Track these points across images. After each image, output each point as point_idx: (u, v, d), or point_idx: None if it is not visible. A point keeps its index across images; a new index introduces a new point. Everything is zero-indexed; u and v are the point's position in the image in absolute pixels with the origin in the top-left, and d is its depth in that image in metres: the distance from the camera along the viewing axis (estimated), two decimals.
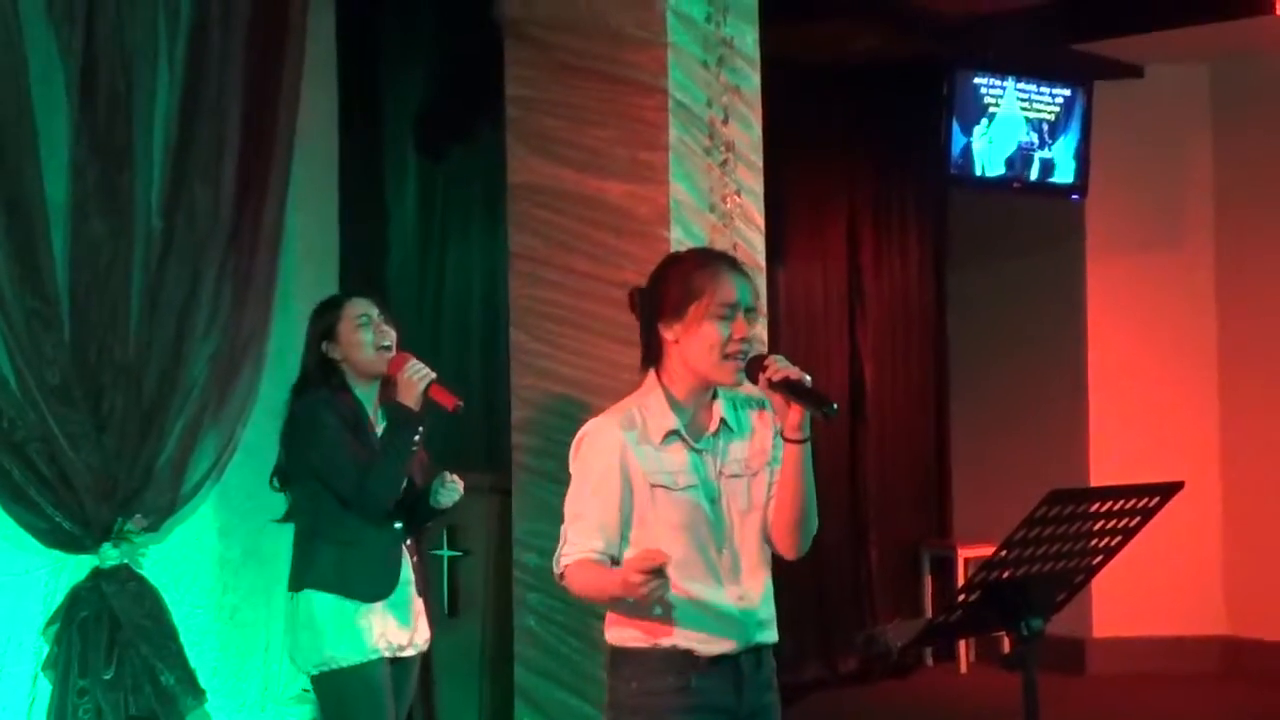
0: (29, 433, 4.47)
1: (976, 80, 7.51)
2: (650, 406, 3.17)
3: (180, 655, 4.73)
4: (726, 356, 3.11)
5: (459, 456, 4.25)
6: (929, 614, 8.20)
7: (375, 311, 4.26)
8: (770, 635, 3.25)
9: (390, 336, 4.24)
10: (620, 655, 3.19)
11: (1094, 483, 7.53)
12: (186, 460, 4.82)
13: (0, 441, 4.41)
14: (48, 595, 4.66)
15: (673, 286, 3.16)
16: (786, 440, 3.14)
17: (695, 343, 3.12)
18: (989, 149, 7.59)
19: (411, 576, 4.25)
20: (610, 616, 3.21)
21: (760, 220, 5.32)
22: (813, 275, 7.89)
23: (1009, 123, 7.63)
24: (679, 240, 4.99)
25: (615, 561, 3.12)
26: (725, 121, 5.18)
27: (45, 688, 4.58)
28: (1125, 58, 7.84)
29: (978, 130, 7.52)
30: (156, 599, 4.71)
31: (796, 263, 7.74)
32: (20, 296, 4.45)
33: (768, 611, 3.24)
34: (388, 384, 4.25)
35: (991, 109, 7.56)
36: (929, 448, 8.59)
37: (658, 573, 2.91)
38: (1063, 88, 7.77)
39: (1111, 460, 7.90)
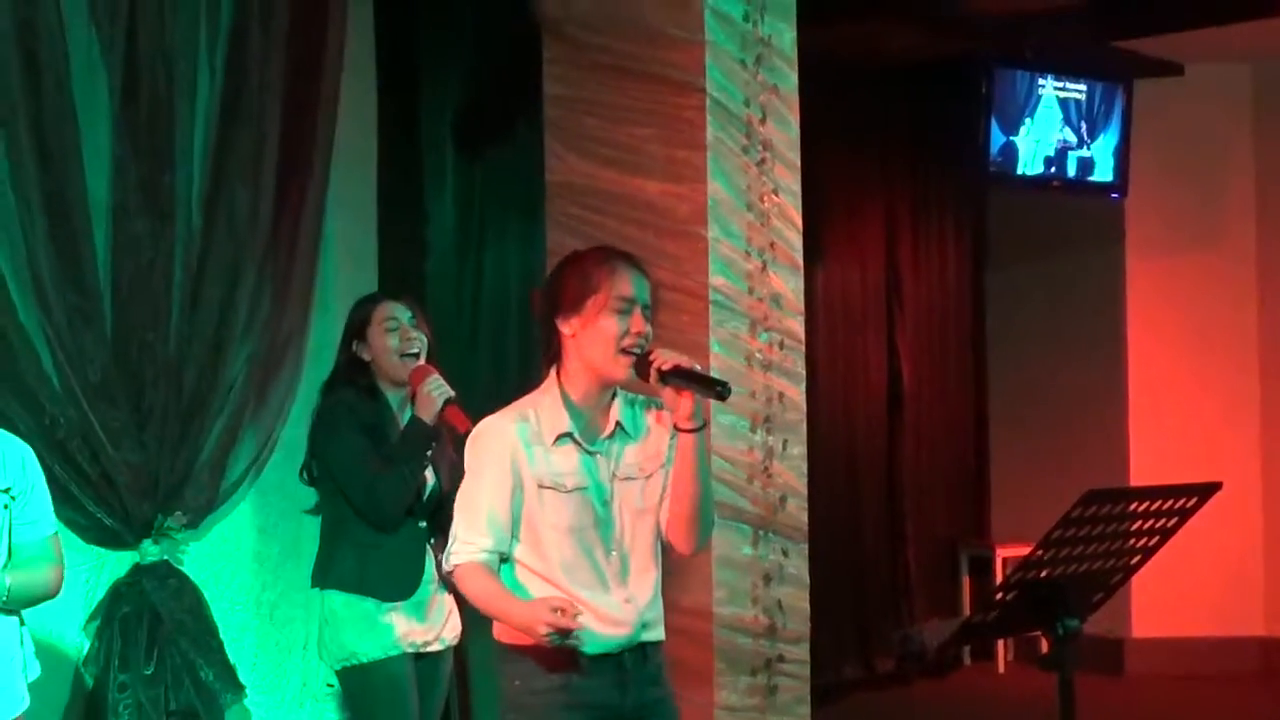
0: (70, 430, 4.49)
1: (1015, 78, 7.49)
2: (545, 406, 3.19)
3: (220, 651, 4.75)
4: (621, 351, 3.14)
5: None
6: (966, 614, 8.18)
7: (407, 316, 4.27)
8: (657, 633, 3.27)
9: (418, 344, 4.25)
10: (505, 652, 3.22)
11: (1134, 483, 7.51)
12: (226, 458, 4.84)
13: (42, 438, 4.43)
14: (89, 591, 4.68)
15: (571, 281, 3.18)
16: (680, 430, 3.17)
17: (592, 336, 3.15)
18: (1028, 148, 7.56)
19: (435, 575, 4.22)
20: None
21: (798, 219, 5.31)
22: (850, 275, 7.87)
23: (1048, 121, 7.60)
24: (717, 239, 5.00)
25: (504, 558, 3.16)
26: (763, 120, 5.18)
27: (86, 683, 4.60)
28: (1165, 56, 7.80)
29: (1017, 129, 7.50)
30: (197, 595, 4.74)
31: (834, 262, 7.73)
32: (62, 294, 4.47)
33: (655, 611, 3.27)
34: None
35: (1030, 107, 7.53)
36: (967, 447, 8.57)
37: (568, 631, 2.98)
38: (1102, 86, 7.74)
39: (1151, 460, 7.87)
